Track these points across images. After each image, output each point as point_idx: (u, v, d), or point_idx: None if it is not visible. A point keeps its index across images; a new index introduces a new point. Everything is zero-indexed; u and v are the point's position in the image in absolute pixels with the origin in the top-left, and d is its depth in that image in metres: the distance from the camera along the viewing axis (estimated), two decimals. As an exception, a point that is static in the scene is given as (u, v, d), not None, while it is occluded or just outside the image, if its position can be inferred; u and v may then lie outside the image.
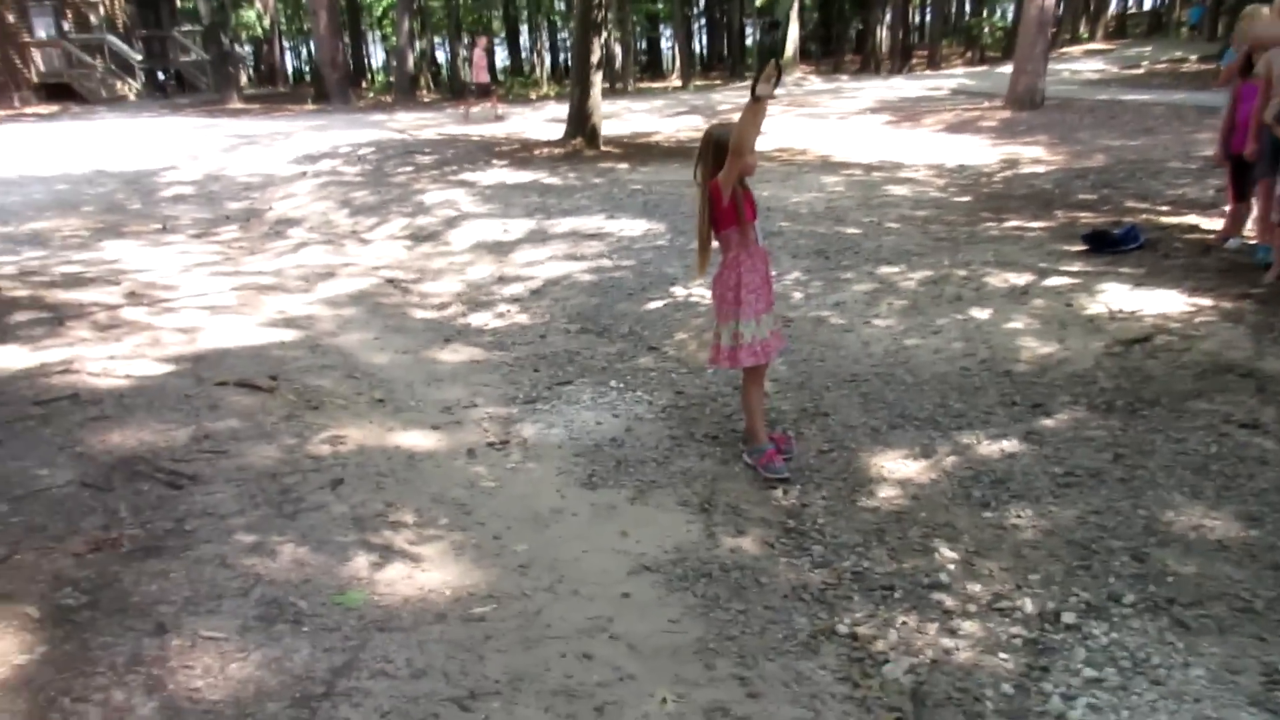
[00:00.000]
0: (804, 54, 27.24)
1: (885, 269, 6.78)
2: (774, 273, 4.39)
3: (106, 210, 10.84)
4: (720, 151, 3.88)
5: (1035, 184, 9.70)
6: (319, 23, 25.15)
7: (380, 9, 33.90)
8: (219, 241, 9.48)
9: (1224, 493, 3.69)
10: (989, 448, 4.22)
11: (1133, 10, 48.78)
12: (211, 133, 18.09)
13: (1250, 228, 6.57)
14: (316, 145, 15.45)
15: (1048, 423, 4.38)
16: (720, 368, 4.39)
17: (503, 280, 7.47)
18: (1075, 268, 6.45)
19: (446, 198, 10.27)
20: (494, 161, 12.43)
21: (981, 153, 12.24)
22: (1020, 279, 6.28)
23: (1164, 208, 8.07)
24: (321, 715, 2.66)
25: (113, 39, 32.08)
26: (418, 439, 4.56)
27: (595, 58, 12.73)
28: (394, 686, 2.79)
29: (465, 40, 39.59)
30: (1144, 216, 7.75)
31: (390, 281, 7.64)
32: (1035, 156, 11.54)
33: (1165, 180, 9.25)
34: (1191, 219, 7.54)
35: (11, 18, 29.70)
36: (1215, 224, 7.28)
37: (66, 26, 31.53)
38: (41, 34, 30.62)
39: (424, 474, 4.19)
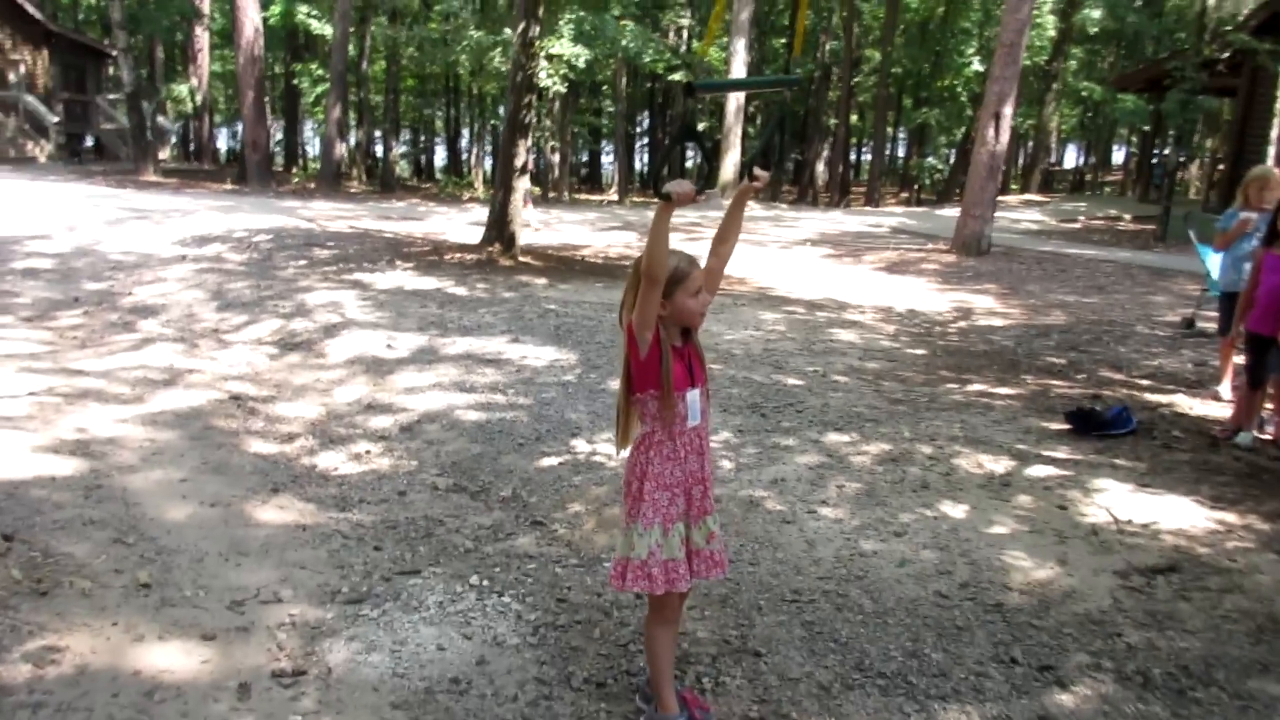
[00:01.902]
0: (741, 178, 26.82)
1: (834, 436, 5.60)
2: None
3: (-68, 280, 9.27)
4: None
5: (994, 339, 8.74)
6: (244, 102, 23.95)
7: (313, 96, 32.83)
8: (53, 329, 8.00)
9: None
10: (985, 736, 2.96)
11: (1055, 167, 50.43)
12: (105, 204, 16.56)
13: (1265, 420, 5.59)
14: (212, 227, 14.06)
15: (1064, 700, 3.14)
16: (613, 586, 3.03)
17: (372, 408, 6.12)
18: (1061, 453, 5.35)
19: (333, 300, 8.94)
20: (398, 263, 11.16)
21: (929, 298, 11.37)
22: (998, 464, 5.15)
23: (1143, 381, 7.10)
24: None
25: (29, 98, 30.44)
26: (174, 658, 3.14)
27: (520, 161, 11.66)
28: None
29: (403, 137, 38.86)
30: (1124, 391, 6.75)
31: (235, 398, 6.23)
32: (988, 307, 10.67)
33: (1135, 347, 8.35)
34: (1180, 399, 6.55)
35: (-80, 68, 28.03)
36: (1209, 408, 6.31)
37: (-20, 82, 29.91)
38: (-49, 87, 28.96)
39: (157, 729, 2.77)
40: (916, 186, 36.73)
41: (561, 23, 19.75)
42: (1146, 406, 6.34)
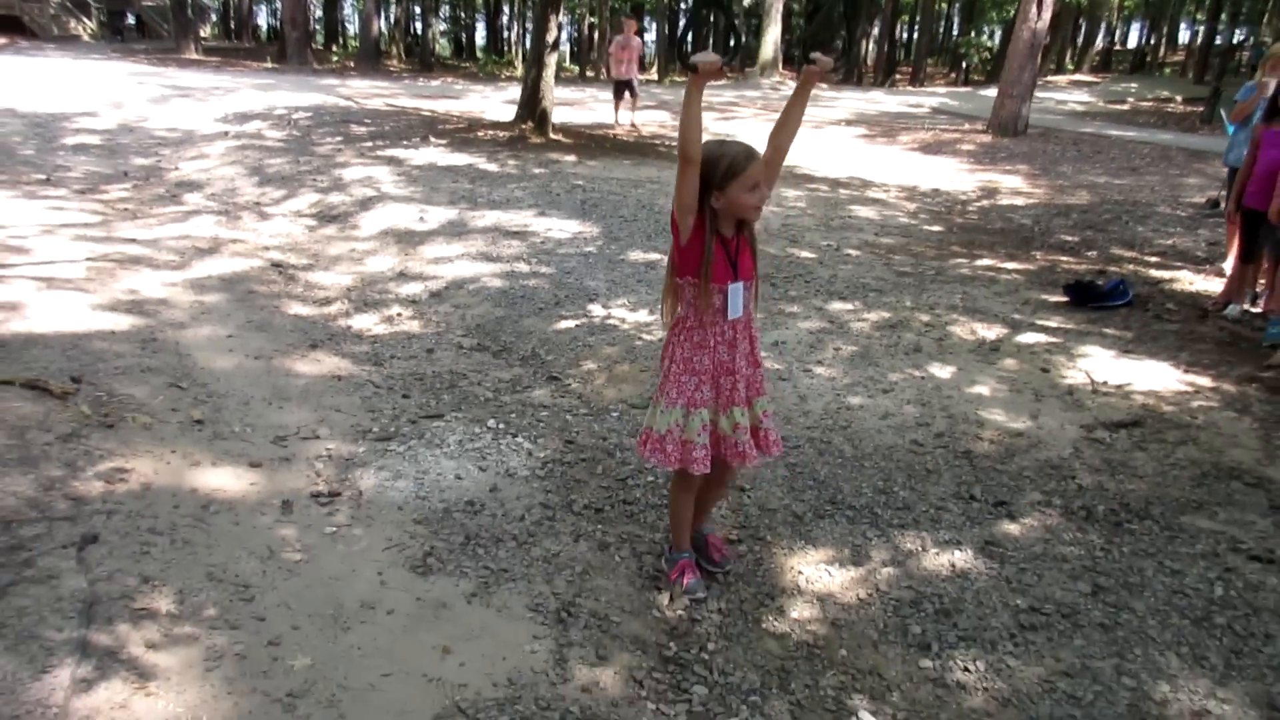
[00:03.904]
0: (786, 59, 26.37)
1: (837, 305, 5.89)
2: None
3: (-10, 154, 9.69)
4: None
5: (1013, 218, 8.88)
6: (284, -24, 23.83)
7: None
8: (103, 200, 8.40)
9: (1233, 659, 2.83)
10: (937, 559, 3.33)
11: (1118, 47, 48.60)
12: (149, 82, 16.82)
13: (1258, 294, 5.78)
14: (253, 105, 14.30)
15: (1012, 529, 3.51)
16: (636, 451, 3.21)
17: (403, 276, 6.49)
18: (1054, 322, 5.61)
19: (368, 175, 9.24)
20: (432, 139, 11.39)
21: (957, 178, 11.42)
22: (991, 331, 5.43)
23: (1153, 258, 7.27)
24: None
25: (70, -26, 30.51)
26: (226, 480, 3.59)
27: (552, 36, 11.72)
28: None
29: (444, 14, 38.23)
30: (1130, 267, 6.94)
31: (275, 265, 6.63)
32: (1014, 187, 10.73)
33: (1153, 226, 8.46)
34: (1184, 275, 6.74)
35: (-36, -56, 28.08)
36: (1210, 283, 6.49)
37: (21, -42, 29.89)
38: (-7, -38, 28.99)
39: (213, 534, 3.22)
40: (965, 66, 35.76)
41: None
42: (1149, 282, 6.54)
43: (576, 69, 32.83)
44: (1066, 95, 22.99)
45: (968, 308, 5.83)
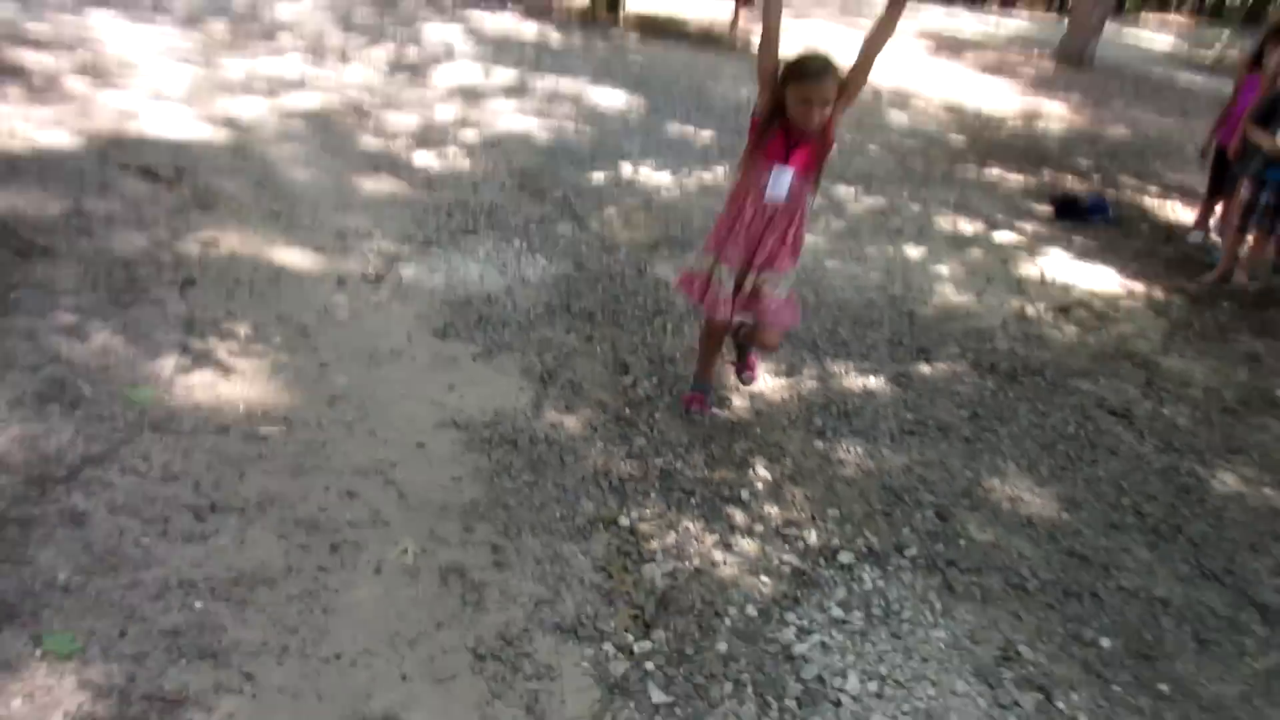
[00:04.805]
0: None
1: (841, 189, 6.57)
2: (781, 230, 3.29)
3: (103, -23, 10.50)
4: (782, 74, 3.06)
5: (1040, 140, 9.36)
6: None
7: None
8: (204, 32, 9.19)
9: (1059, 472, 3.60)
10: (853, 381, 4.11)
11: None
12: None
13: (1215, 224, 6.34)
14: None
15: (924, 369, 4.27)
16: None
17: (463, 124, 7.25)
18: (1030, 227, 6.24)
19: (445, 35, 9.94)
20: (509, 7, 12.00)
21: (1005, 99, 11.79)
22: (970, 227, 6.08)
23: (1153, 188, 7.78)
24: (50, 497, 2.63)
25: None
26: (295, 257, 4.46)
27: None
28: (138, 484, 2.75)
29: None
30: (1130, 194, 7.47)
31: (353, 104, 7.42)
32: (1057, 114, 11.10)
33: (1171, 164, 8.90)
34: (1174, 205, 7.27)
35: None
36: (1193, 214, 7.03)
37: None
38: None
39: (282, 292, 4.10)
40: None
41: None
42: (1138, 207, 7.10)
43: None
44: (1153, 35, 22.65)
45: (959, 205, 6.47)
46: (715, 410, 3.77)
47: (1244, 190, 5.31)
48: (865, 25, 13.58)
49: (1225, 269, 5.40)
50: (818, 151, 3.15)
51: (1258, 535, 3.38)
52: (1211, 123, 6.41)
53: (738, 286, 3.32)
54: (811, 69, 2.97)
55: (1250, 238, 5.31)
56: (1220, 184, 6.08)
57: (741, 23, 13.62)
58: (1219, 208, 6.25)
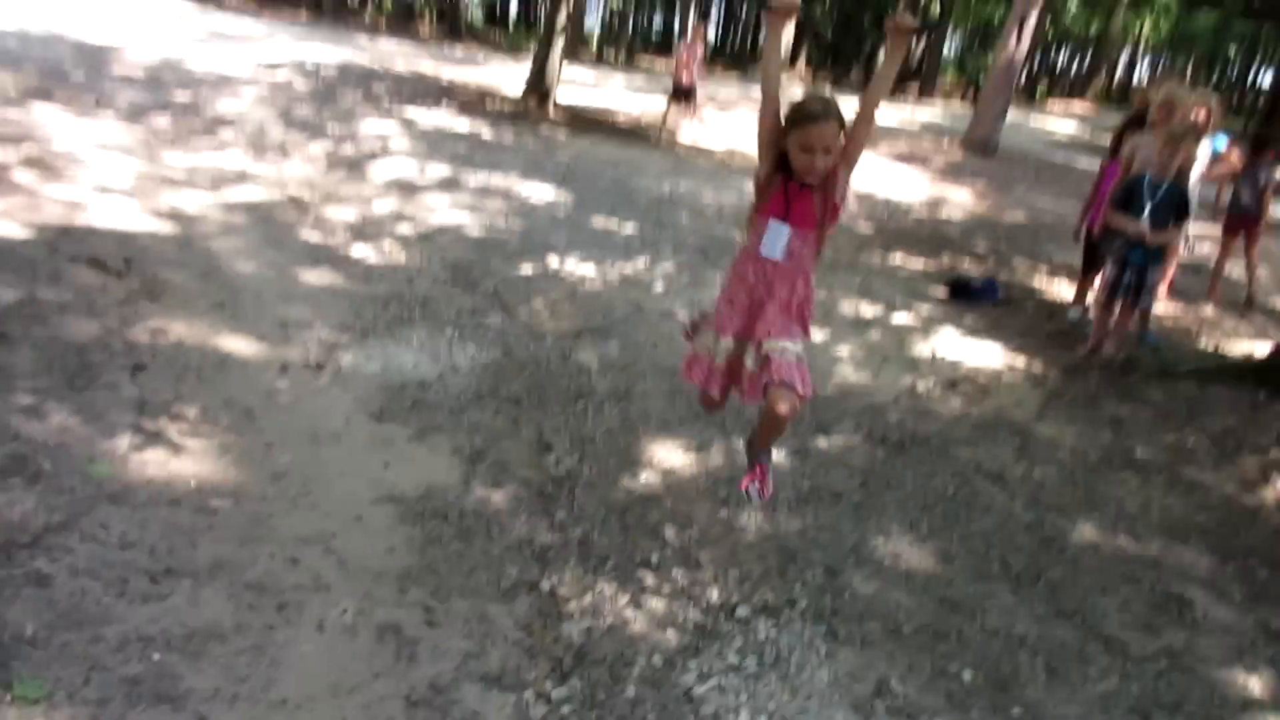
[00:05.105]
0: (793, 58, 27.48)
1: (754, 277, 7.06)
2: (764, 291, 3.10)
3: (47, 75, 10.83)
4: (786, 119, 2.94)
5: (944, 228, 10.04)
6: (326, -68, 24.94)
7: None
8: (147, 127, 9.54)
9: (937, 530, 4.01)
10: (757, 453, 4.51)
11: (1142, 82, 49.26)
12: (193, 23, 17.99)
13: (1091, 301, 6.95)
14: (286, 55, 15.45)
15: (821, 443, 4.69)
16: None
17: (399, 218, 7.65)
18: (926, 309, 6.77)
19: (381, 130, 10.41)
20: (444, 104, 12.55)
21: (915, 187, 12.56)
22: (871, 310, 6.59)
23: (1043, 269, 8.44)
24: (16, 562, 2.90)
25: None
26: (240, 345, 4.77)
27: (561, 22, 12.88)
28: (98, 550, 3.03)
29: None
30: (1020, 275, 8.10)
31: (293, 199, 7.79)
32: (961, 201, 11.88)
33: (1062, 245, 9.57)
34: (1060, 284, 7.90)
35: None
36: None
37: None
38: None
39: (228, 377, 4.41)
40: (972, 87, 36.79)
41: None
42: (1027, 287, 7.71)
43: (608, 52, 33.82)
44: (1056, 123, 24.05)
45: (862, 290, 7.00)
46: (628, 484, 4.14)
47: (1108, 269, 5.90)
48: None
49: (1096, 342, 5.96)
50: (819, 207, 2.99)
51: (1109, 578, 3.82)
52: (1082, 206, 7.06)
53: (740, 362, 3.15)
54: (813, 111, 2.86)
55: (1116, 312, 5.88)
56: (1093, 263, 6.69)
57: (671, 116, 14.06)
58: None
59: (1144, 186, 5.62)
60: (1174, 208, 5.62)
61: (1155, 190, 5.59)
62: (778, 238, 2.99)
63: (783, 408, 3.02)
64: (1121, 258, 5.74)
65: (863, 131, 2.97)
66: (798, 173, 2.94)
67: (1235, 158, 7.61)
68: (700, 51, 14.14)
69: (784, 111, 2.93)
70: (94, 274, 5.21)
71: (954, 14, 36.56)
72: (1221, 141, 7.67)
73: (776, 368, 2.99)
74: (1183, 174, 5.77)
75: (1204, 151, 7.47)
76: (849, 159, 2.97)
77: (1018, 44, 15.04)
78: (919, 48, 32.60)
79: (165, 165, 8.03)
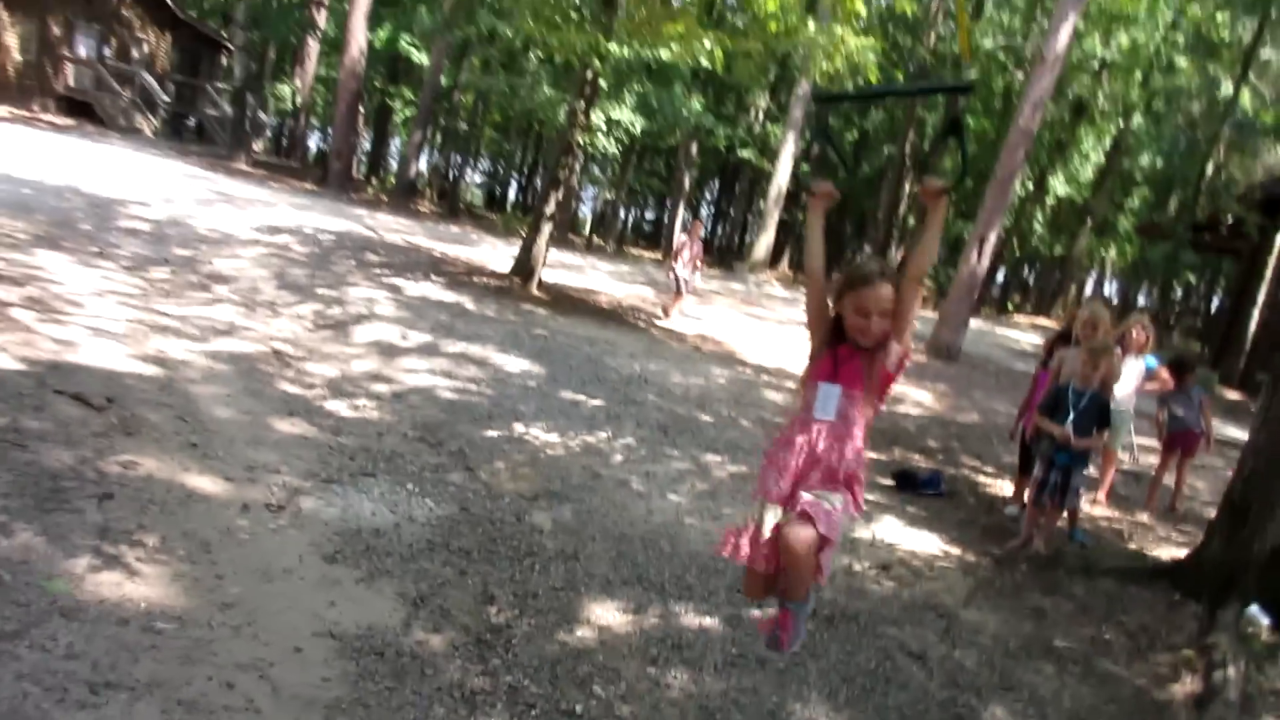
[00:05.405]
0: (775, 259, 28.85)
1: (710, 456, 7.37)
2: (798, 459, 3.08)
3: (56, 223, 11.39)
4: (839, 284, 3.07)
5: (901, 422, 10.44)
6: (338, 113, 26.50)
7: (402, 117, 35.59)
8: (145, 278, 10.00)
9: (854, 700, 4.18)
10: (691, 620, 4.70)
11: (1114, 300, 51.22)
12: (199, 184, 18.88)
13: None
14: (287, 220, 16.22)
15: (755, 613, 4.88)
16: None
17: (376, 378, 8.00)
18: (873, 497, 7.05)
19: (369, 296, 10.91)
20: (432, 276, 13.16)
21: (878, 386, 13.05)
22: (818, 494, 6.88)
23: (989, 469, 8.78)
24: (-35, 666, 3.05)
25: (147, 76, 33.35)
26: (205, 483, 5.00)
27: (550, 209, 13.69)
28: (43, 659, 3.19)
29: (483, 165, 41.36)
30: (966, 471, 8.44)
31: (276, 354, 8.15)
32: (920, 401, 12.35)
33: (1009, 446, 9.97)
34: (1002, 482, 8.23)
35: (58, 31, 31.06)
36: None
37: (107, 52, 32.91)
38: (81, 53, 31.92)
39: (191, 512, 4.63)
40: (943, 295, 38.34)
41: (626, 90, 21.95)
42: (971, 482, 8.04)
43: (584, 238, 35.31)
44: (1020, 334, 25.01)
45: (811, 476, 7.30)
46: (564, 637, 4.31)
47: (1037, 469, 6.25)
48: (764, 314, 15.13)
49: (1026, 537, 6.24)
50: (867, 369, 3.00)
51: (1014, 761, 3.97)
52: (1018, 410, 7.48)
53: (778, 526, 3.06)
54: (868, 274, 2.94)
55: (1045, 510, 6.19)
56: (1028, 463, 7.05)
57: (664, 303, 14.55)
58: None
59: (1069, 395, 6.05)
60: (1096, 416, 6.03)
61: (1079, 399, 6.01)
62: (829, 399, 3.00)
63: (796, 539, 2.92)
64: (1049, 459, 6.10)
65: (910, 297, 2.98)
66: (852, 336, 2.98)
67: (1165, 375, 8.10)
68: (698, 249, 14.71)
69: (832, 284, 3.06)
70: (76, 407, 5.48)
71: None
72: (1153, 361, 8.18)
73: (804, 504, 2.95)
74: (1106, 385, 6.21)
75: (1138, 368, 8.00)
76: (899, 326, 2.98)
77: (979, 259, 15.95)
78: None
79: (158, 313, 8.43)
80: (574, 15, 13.40)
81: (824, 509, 2.95)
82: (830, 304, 3.08)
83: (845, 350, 3.01)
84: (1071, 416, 5.99)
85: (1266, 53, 24.13)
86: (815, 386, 3.04)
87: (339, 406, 7.11)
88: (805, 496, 2.98)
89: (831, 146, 3.85)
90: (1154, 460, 8.82)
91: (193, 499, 4.78)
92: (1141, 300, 45.26)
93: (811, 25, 12.72)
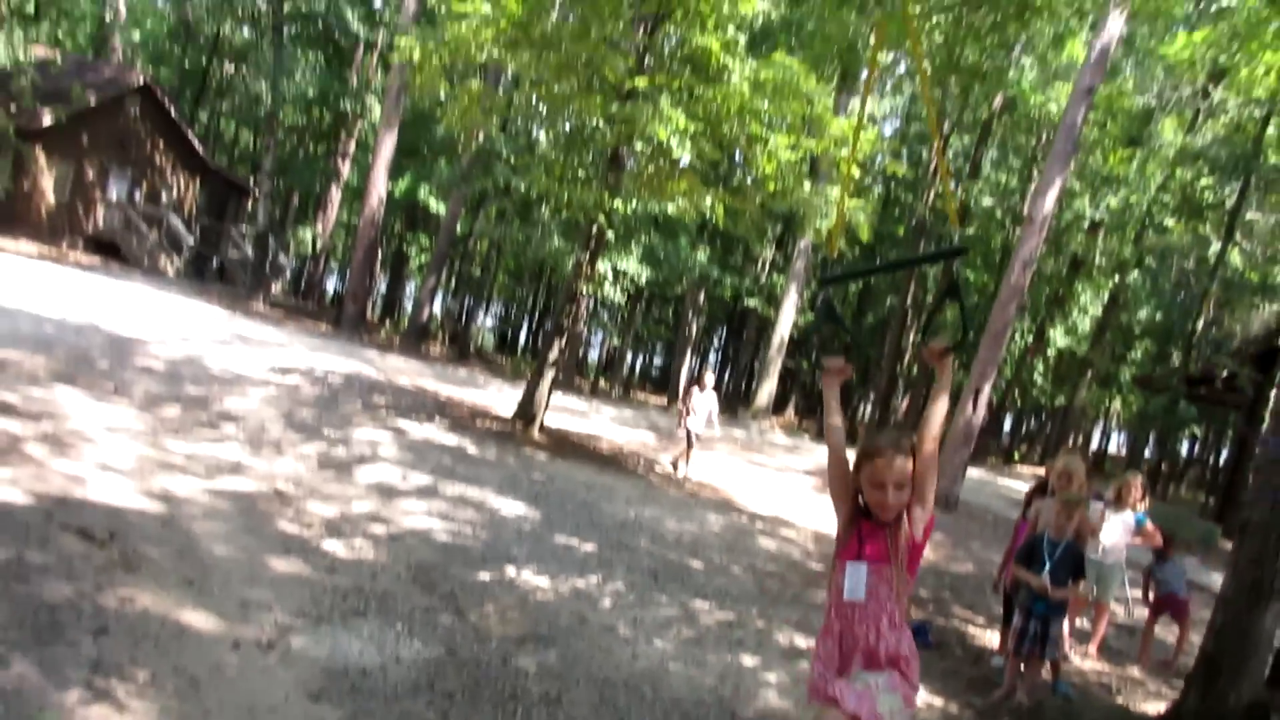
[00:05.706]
0: (779, 406, 29.23)
1: (698, 603, 7.46)
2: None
3: (74, 360, 11.77)
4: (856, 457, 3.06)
5: (894, 573, 10.49)
6: (355, 258, 27.42)
7: (417, 263, 36.72)
8: (156, 415, 10.30)
9: None
10: (668, 765, 4.75)
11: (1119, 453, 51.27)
12: (217, 325, 19.44)
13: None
14: (299, 361, 16.64)
15: (732, 760, 4.93)
16: None
17: (374, 518, 8.16)
18: (859, 647, 7.11)
19: (373, 437, 11.17)
20: (436, 419, 13.45)
21: (875, 535, 13.11)
22: (805, 643, 6.93)
23: (980, 619, 8.80)
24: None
25: (173, 217, 34.61)
26: (199, 620, 5.14)
27: (553, 356, 14.08)
28: (25, 788, 3.30)
29: (495, 310, 42.37)
30: (956, 621, 8.47)
31: (278, 493, 8.35)
32: (917, 551, 12.39)
33: (999, 597, 10.01)
34: (992, 633, 8.25)
35: (93, 175, 32.47)
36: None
37: (138, 195, 34.27)
38: (113, 195, 33.26)
39: (183, 647, 4.76)
40: (940, 445, 38.49)
41: (633, 241, 22.78)
42: (961, 633, 8.06)
43: (602, 382, 35.81)
44: (1018, 483, 25.01)
45: (799, 623, 7.36)
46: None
47: (1016, 619, 6.33)
48: (765, 460, 15.32)
49: (1009, 688, 6.26)
50: (892, 543, 2.93)
51: None
52: (1000, 561, 7.59)
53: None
54: (880, 445, 2.92)
55: (1027, 660, 6.24)
56: (1010, 613, 7.11)
57: (675, 456, 14.17)
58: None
59: (1044, 545, 6.20)
60: (1071, 565, 6.16)
61: (1054, 548, 6.16)
62: (857, 578, 2.92)
63: None
64: (1027, 609, 6.19)
65: (928, 463, 2.96)
66: (873, 512, 2.94)
67: (1151, 529, 8.23)
68: (707, 401, 13.97)
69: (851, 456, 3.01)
70: (79, 542, 5.67)
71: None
72: (1143, 515, 8.34)
73: (863, 715, 2.80)
74: (1080, 535, 6.36)
75: (1128, 520, 8.16)
76: (920, 494, 2.95)
77: (974, 410, 16.21)
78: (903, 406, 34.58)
79: (166, 450, 8.67)
80: (582, 173, 14.10)
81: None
82: (852, 476, 3.05)
83: (868, 526, 2.97)
84: (1048, 566, 6.11)
85: (1251, 214, 24.96)
86: (843, 567, 2.98)
87: (335, 546, 7.26)
88: (861, 704, 2.83)
89: (837, 324, 4.01)
90: (1147, 613, 8.84)
91: (185, 635, 4.92)
92: (1148, 452, 45.26)
93: (807, 186, 13.35)
